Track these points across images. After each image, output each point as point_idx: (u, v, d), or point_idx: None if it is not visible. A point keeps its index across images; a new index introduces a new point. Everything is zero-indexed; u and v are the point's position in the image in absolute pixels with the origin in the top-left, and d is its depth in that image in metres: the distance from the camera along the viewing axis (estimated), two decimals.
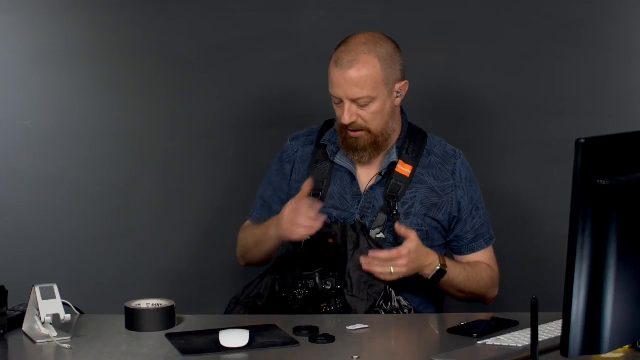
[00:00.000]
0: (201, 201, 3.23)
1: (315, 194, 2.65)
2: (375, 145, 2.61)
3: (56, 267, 3.15)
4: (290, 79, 3.21)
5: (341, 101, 2.57)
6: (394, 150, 2.66)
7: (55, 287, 2.22)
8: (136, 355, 2.10)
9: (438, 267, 2.56)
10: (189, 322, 2.34)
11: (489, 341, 2.10)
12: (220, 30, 3.20)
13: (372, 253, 2.50)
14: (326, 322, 2.32)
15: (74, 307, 2.33)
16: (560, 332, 1.67)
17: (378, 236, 2.59)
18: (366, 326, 2.29)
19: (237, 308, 2.67)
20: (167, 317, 2.29)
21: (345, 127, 2.59)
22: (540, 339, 1.82)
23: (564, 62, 3.20)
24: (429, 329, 2.39)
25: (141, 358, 2.08)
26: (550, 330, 2.13)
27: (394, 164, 2.65)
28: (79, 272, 3.18)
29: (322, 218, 2.52)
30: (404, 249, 2.49)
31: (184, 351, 2.10)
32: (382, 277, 2.49)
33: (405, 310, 2.53)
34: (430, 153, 2.69)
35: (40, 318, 2.20)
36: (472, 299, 2.71)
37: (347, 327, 2.27)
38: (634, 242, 1.69)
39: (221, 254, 3.21)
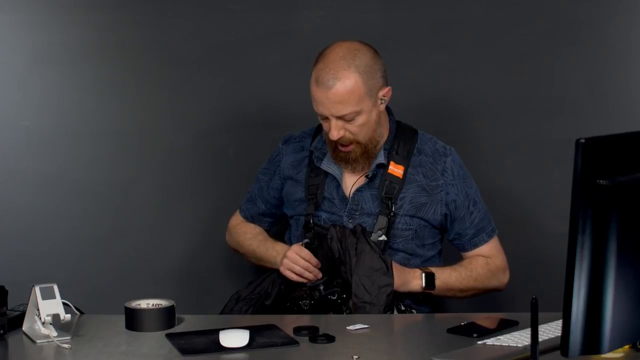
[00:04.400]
0: (201, 201, 3.22)
1: (311, 198, 2.67)
2: (366, 154, 2.63)
3: (56, 267, 3.15)
4: (290, 79, 3.20)
5: (327, 117, 2.57)
6: (381, 152, 2.66)
7: (55, 287, 2.22)
8: (136, 355, 2.10)
9: (424, 273, 2.58)
10: (189, 322, 2.34)
11: (489, 341, 2.10)
12: (220, 30, 3.20)
13: None
14: (326, 322, 2.32)
15: (74, 307, 2.33)
16: (560, 332, 1.67)
17: (380, 239, 2.59)
18: (366, 326, 2.29)
19: (240, 304, 2.67)
20: (167, 317, 2.30)
21: (335, 142, 2.59)
22: (540, 339, 1.82)
23: (563, 62, 3.20)
24: (429, 329, 2.39)
25: (141, 358, 2.08)
26: (550, 330, 2.13)
27: (380, 166, 2.65)
28: (79, 272, 3.18)
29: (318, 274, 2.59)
30: None
31: (184, 351, 2.10)
32: None
33: (413, 311, 2.55)
34: (421, 152, 2.69)
35: (40, 318, 2.20)
36: (479, 294, 2.71)
37: (347, 327, 2.27)
38: (634, 242, 1.69)
39: (221, 254, 3.21)
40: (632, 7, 3.20)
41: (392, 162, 2.65)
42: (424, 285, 2.59)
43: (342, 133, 2.57)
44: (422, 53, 3.15)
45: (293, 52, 3.20)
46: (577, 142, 1.61)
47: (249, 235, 2.84)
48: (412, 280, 2.59)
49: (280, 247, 2.73)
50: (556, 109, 3.21)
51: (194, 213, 3.24)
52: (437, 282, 2.60)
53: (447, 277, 2.62)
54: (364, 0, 3.20)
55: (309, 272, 2.58)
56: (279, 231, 2.95)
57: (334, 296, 2.51)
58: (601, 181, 1.62)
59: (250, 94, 3.22)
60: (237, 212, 2.92)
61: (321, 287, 2.52)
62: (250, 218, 2.88)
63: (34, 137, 3.18)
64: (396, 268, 2.56)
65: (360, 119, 2.56)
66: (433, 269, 2.63)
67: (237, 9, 3.19)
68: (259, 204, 2.85)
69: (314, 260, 2.58)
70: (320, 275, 2.57)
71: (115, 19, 3.17)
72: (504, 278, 2.73)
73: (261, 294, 2.67)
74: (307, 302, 2.55)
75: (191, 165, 3.24)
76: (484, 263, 2.70)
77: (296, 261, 2.58)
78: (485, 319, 2.30)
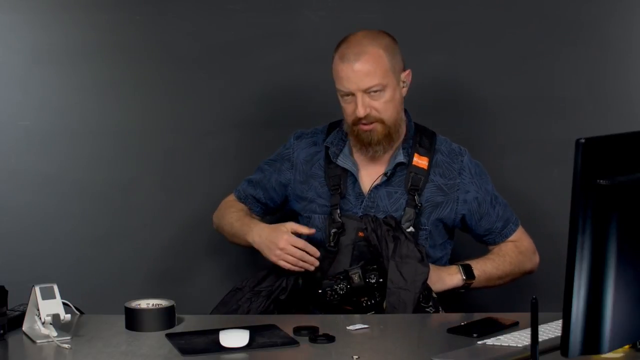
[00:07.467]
0: (201, 201, 3.22)
1: (335, 189, 2.66)
2: (389, 137, 2.63)
3: (56, 267, 3.15)
4: (290, 79, 3.20)
5: (351, 95, 2.58)
6: (400, 151, 2.67)
7: (55, 287, 2.22)
8: (136, 355, 2.10)
9: (460, 266, 2.61)
10: (189, 322, 2.34)
11: (489, 341, 2.10)
12: (220, 30, 3.19)
13: None
14: (326, 322, 2.32)
15: (74, 307, 2.33)
16: (560, 332, 1.67)
17: (408, 230, 2.60)
18: (366, 326, 2.29)
19: (247, 295, 2.65)
20: (167, 317, 2.30)
21: (358, 121, 2.60)
22: (540, 339, 1.82)
23: (564, 62, 3.20)
24: (429, 329, 2.39)
25: (141, 358, 2.08)
26: (550, 330, 2.13)
27: (399, 164, 2.66)
28: (79, 272, 3.18)
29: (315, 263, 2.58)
30: None
31: (184, 351, 2.10)
32: None
33: (441, 309, 2.55)
34: (438, 151, 2.71)
35: (40, 318, 2.20)
36: (515, 279, 2.76)
37: (347, 327, 2.27)
38: (634, 242, 1.69)
39: (221, 254, 3.21)
40: (632, 7, 3.20)
41: (416, 154, 2.68)
42: (464, 277, 2.61)
43: (368, 110, 2.58)
44: (422, 53, 3.15)
45: (293, 52, 3.20)
46: (577, 142, 1.61)
47: (232, 209, 2.84)
48: (449, 276, 2.60)
49: (255, 224, 2.69)
50: (556, 109, 3.21)
51: (194, 213, 3.24)
52: (476, 272, 2.63)
53: (483, 266, 2.66)
54: (364, 0, 3.21)
55: (304, 260, 2.56)
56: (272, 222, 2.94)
57: (373, 279, 2.51)
58: (601, 181, 1.62)
59: (250, 94, 3.22)
60: (232, 193, 2.93)
61: (359, 271, 2.51)
62: (244, 198, 2.88)
63: (34, 137, 3.18)
64: (431, 267, 2.56)
65: (385, 95, 2.59)
66: (468, 261, 2.65)
67: (237, 9, 3.19)
68: (257, 189, 2.85)
69: (311, 248, 2.57)
70: (317, 262, 2.57)
71: (115, 19, 3.17)
72: (535, 259, 2.78)
73: (274, 288, 2.65)
74: (344, 286, 2.52)
75: (191, 165, 3.24)
76: (513, 246, 2.75)
77: (291, 252, 2.56)
78: (485, 319, 2.30)
